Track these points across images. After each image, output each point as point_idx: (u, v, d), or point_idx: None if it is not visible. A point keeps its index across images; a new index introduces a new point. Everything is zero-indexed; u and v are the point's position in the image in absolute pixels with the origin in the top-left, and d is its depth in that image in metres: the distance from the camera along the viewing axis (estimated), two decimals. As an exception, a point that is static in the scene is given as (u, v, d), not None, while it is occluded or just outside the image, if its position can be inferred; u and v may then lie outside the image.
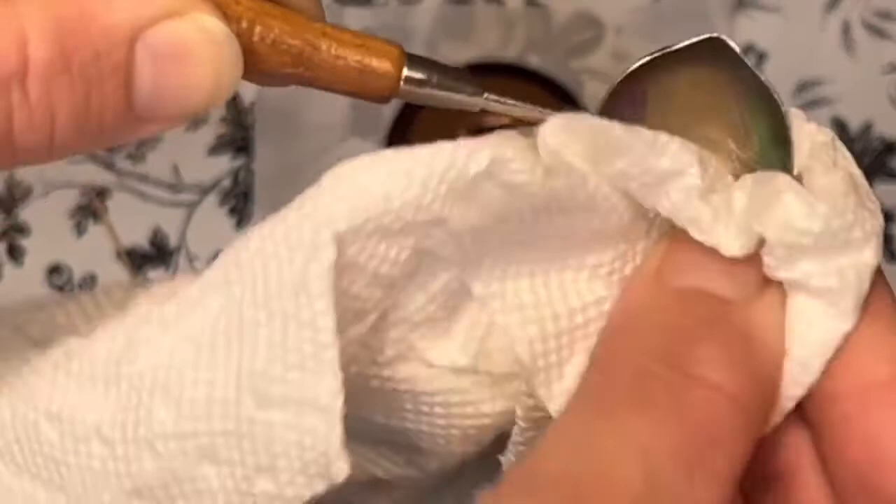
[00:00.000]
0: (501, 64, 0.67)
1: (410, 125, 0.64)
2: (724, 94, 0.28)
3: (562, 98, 0.64)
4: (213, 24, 0.25)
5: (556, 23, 0.71)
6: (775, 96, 0.29)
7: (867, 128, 0.69)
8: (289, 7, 0.26)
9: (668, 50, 0.28)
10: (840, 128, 0.69)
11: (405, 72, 0.27)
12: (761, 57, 0.70)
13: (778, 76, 0.70)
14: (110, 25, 0.23)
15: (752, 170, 0.28)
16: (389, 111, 0.68)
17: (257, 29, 0.25)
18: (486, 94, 0.28)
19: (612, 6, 0.71)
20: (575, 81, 0.69)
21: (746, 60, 0.28)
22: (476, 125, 0.64)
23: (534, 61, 0.70)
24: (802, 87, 0.70)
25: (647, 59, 0.28)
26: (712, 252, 0.24)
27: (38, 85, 0.23)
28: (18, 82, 0.23)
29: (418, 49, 0.70)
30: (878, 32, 0.70)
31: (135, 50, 0.24)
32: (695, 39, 0.28)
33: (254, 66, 0.25)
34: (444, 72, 0.28)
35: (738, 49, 0.28)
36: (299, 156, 0.69)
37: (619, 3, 0.71)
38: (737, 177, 0.27)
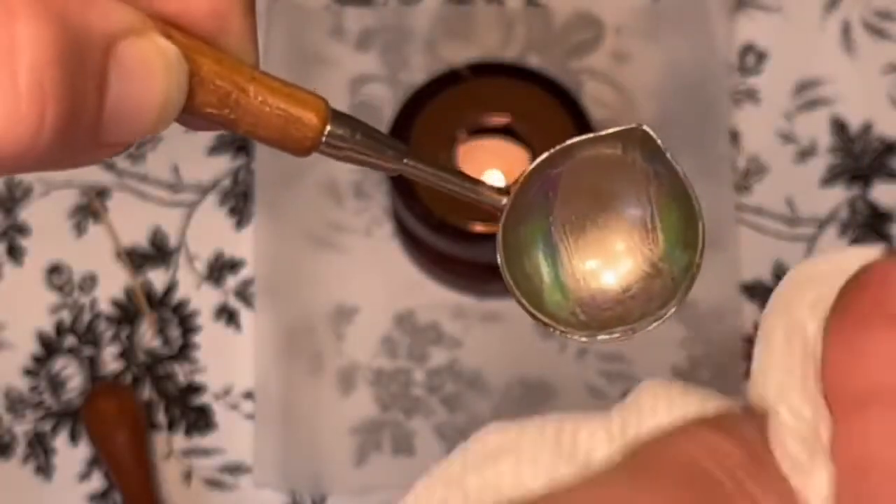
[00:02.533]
0: (501, 64, 0.67)
1: (411, 125, 0.64)
2: (637, 186, 0.29)
3: (562, 98, 0.64)
4: (167, 46, 0.24)
5: (556, 23, 0.71)
6: (692, 197, 0.28)
7: (867, 128, 0.69)
8: (223, 50, 0.26)
9: (591, 136, 0.28)
10: (840, 128, 0.69)
11: (329, 127, 0.27)
12: (761, 57, 0.70)
13: (778, 76, 0.70)
14: (92, 26, 0.23)
15: (656, 266, 0.29)
16: (390, 111, 0.68)
17: (187, 65, 0.25)
18: (406, 160, 0.28)
19: (612, 6, 0.71)
20: (575, 81, 0.69)
21: (668, 155, 0.28)
22: (476, 125, 0.64)
23: (534, 61, 0.70)
24: (802, 87, 0.70)
25: (570, 142, 0.28)
26: None
27: (29, 71, 0.22)
28: (8, 65, 0.21)
29: (419, 49, 0.70)
30: (878, 32, 0.70)
31: (108, 60, 0.23)
32: (619, 129, 0.28)
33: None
34: (368, 132, 0.27)
35: (660, 142, 0.28)
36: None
37: (619, 3, 0.71)
38: (643, 270, 0.28)
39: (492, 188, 0.29)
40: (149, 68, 0.24)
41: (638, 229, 0.29)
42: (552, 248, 0.29)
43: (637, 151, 0.28)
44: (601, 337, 0.28)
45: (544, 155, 0.29)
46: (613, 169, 0.28)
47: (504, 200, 0.29)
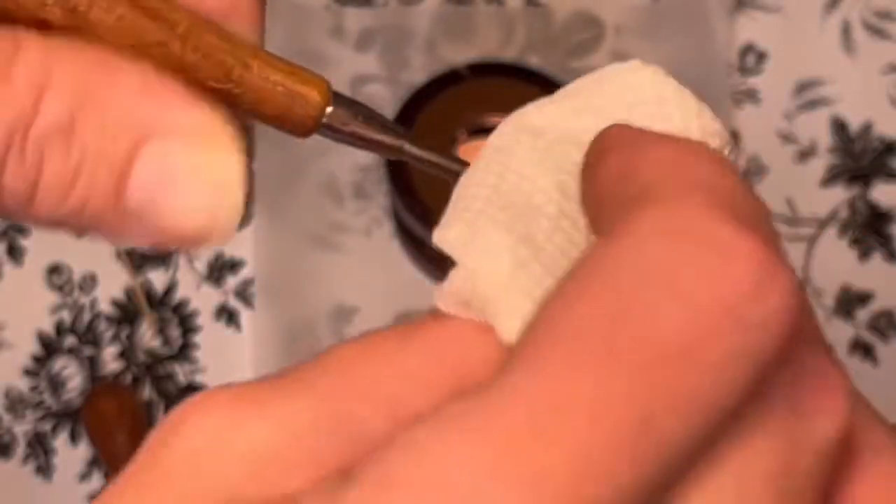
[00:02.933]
0: (501, 64, 0.67)
1: (411, 126, 0.64)
2: None
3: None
4: (233, 166, 0.24)
5: (556, 23, 0.71)
6: None
7: (867, 128, 0.69)
8: (226, 28, 0.26)
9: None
10: (840, 128, 0.69)
11: (330, 107, 0.27)
12: (761, 57, 0.70)
13: (778, 76, 0.70)
14: (128, 112, 0.23)
15: None
16: (389, 111, 0.68)
17: (192, 38, 0.25)
18: (405, 145, 0.28)
19: (612, 6, 0.71)
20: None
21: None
22: (476, 125, 0.64)
23: (534, 61, 0.70)
24: (802, 87, 0.70)
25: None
26: None
27: (37, 139, 0.22)
28: (22, 131, 0.22)
29: (419, 49, 0.70)
30: (878, 32, 0.70)
31: (140, 152, 0.23)
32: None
33: (183, 76, 0.25)
34: (370, 114, 0.27)
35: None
36: (299, 156, 0.69)
37: (619, 3, 0.71)
38: None
39: None
40: (188, 185, 0.24)
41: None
42: None
43: None
44: None
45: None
46: None
47: None
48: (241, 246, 0.69)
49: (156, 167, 0.23)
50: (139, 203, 0.24)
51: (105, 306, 0.68)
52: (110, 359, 0.68)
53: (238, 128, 0.25)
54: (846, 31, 0.70)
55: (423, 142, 0.28)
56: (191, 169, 0.24)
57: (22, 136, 0.22)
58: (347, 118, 0.27)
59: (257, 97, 0.26)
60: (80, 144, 0.23)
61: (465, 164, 0.28)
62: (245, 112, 0.26)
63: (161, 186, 0.24)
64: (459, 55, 0.69)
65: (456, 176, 0.27)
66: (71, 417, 0.67)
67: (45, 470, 0.66)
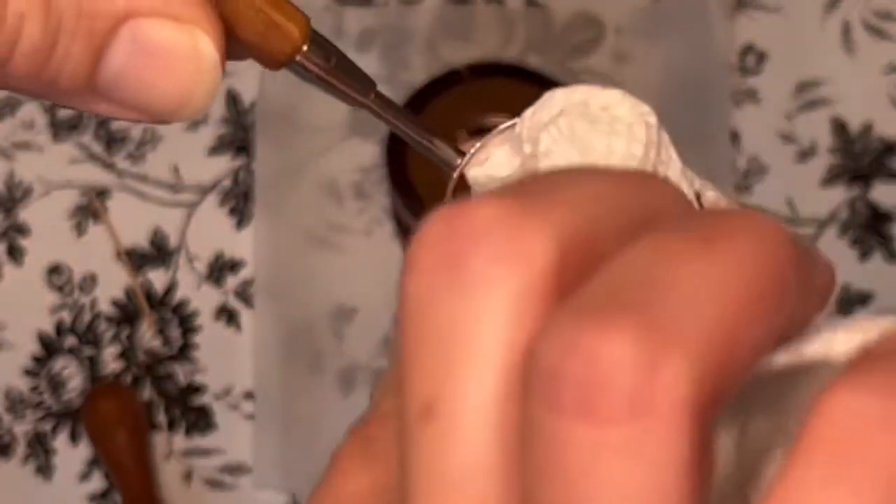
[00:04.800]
0: (501, 64, 0.67)
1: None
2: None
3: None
4: (207, 48, 0.25)
5: (556, 23, 0.71)
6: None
7: (867, 128, 0.69)
8: None
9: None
10: (840, 128, 0.69)
11: (307, 45, 0.27)
12: (761, 57, 0.70)
13: (778, 76, 0.70)
14: None
15: None
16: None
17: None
18: (373, 95, 0.28)
19: (612, 6, 0.71)
20: (575, 81, 0.69)
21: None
22: (476, 125, 0.64)
23: (534, 61, 0.70)
24: (802, 87, 0.70)
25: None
26: None
27: (15, 5, 0.23)
28: None
29: (419, 49, 0.70)
30: (878, 32, 0.70)
31: (119, 29, 0.24)
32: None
33: None
34: (343, 61, 0.28)
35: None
36: (299, 156, 0.69)
37: (619, 3, 0.71)
38: None
39: (449, 145, 0.28)
40: (168, 57, 0.24)
41: None
42: None
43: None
44: None
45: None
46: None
47: (459, 161, 0.28)
48: (241, 246, 0.69)
49: (131, 46, 0.24)
50: (114, 79, 0.25)
51: (105, 306, 0.68)
52: (110, 359, 0.68)
53: (217, 19, 0.25)
54: (846, 31, 0.70)
55: (392, 104, 0.28)
56: (167, 49, 0.24)
57: (3, 2, 0.23)
58: (321, 61, 0.27)
59: (236, 21, 0.26)
60: (56, 17, 0.24)
61: (423, 127, 0.28)
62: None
63: (136, 64, 0.24)
64: (459, 55, 0.69)
65: (417, 141, 0.27)
66: (71, 417, 0.67)
67: (45, 470, 0.66)
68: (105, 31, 0.24)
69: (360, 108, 0.28)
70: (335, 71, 0.28)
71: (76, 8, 0.24)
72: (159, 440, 0.67)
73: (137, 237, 0.69)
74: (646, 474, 0.16)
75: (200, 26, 0.25)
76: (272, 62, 0.27)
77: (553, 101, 0.26)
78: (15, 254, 0.69)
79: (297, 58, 0.27)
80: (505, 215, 0.18)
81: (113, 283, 0.68)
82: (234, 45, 0.26)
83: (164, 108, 0.25)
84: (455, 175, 0.28)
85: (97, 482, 0.67)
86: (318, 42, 0.27)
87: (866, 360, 0.17)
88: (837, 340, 0.21)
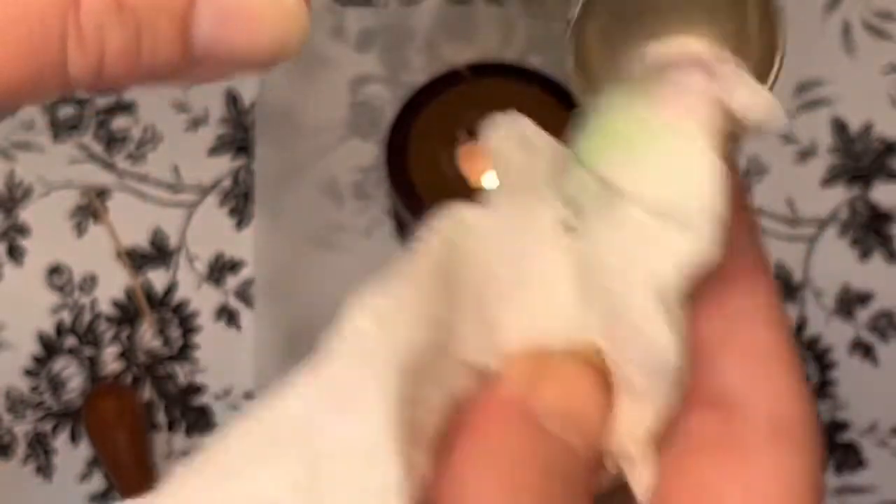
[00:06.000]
0: (501, 64, 0.67)
1: (411, 126, 0.64)
2: None
3: (562, 98, 0.63)
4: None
5: (556, 23, 0.71)
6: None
7: (867, 128, 0.69)
8: None
9: None
10: (840, 128, 0.69)
11: None
12: (761, 57, 0.70)
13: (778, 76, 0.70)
14: None
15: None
16: (390, 111, 0.68)
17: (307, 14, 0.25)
18: None
19: None
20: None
21: None
22: (476, 125, 0.64)
23: (534, 61, 0.70)
24: (802, 87, 0.70)
25: None
26: None
27: (89, 18, 0.23)
28: (73, 12, 0.23)
29: (419, 50, 0.70)
30: (878, 32, 0.70)
31: (196, 3, 0.24)
32: None
33: None
34: None
35: None
36: (299, 156, 0.69)
37: None
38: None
39: None
40: (251, 14, 0.24)
41: (728, 41, 0.26)
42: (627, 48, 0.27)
43: None
44: None
45: None
46: None
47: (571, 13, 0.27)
48: (241, 246, 0.69)
49: (213, 13, 0.24)
50: (207, 48, 0.25)
51: (105, 307, 0.68)
52: (110, 359, 0.68)
53: None
54: (846, 31, 0.70)
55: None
56: (247, 3, 0.24)
57: (75, 21, 0.23)
58: None
59: None
60: (132, 15, 0.24)
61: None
62: None
63: (224, 30, 0.24)
64: (459, 55, 0.69)
65: None
66: (71, 417, 0.67)
67: (45, 470, 0.66)
68: (183, 8, 0.24)
69: None
70: None
71: None
72: (159, 440, 0.67)
73: (137, 237, 0.69)
74: None
75: None
76: None
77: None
78: (15, 254, 0.69)
79: None
80: None
81: (113, 283, 0.68)
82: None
83: (264, 59, 0.25)
84: (570, 29, 0.27)
85: (97, 482, 0.67)
86: None
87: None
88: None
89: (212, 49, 0.25)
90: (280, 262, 0.68)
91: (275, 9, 0.25)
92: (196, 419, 0.67)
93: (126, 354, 0.68)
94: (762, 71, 0.25)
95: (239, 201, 0.69)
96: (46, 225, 0.69)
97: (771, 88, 0.25)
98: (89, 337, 0.68)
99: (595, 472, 0.24)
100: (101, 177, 0.70)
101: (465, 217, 0.26)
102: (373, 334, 0.24)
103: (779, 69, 0.25)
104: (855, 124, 0.69)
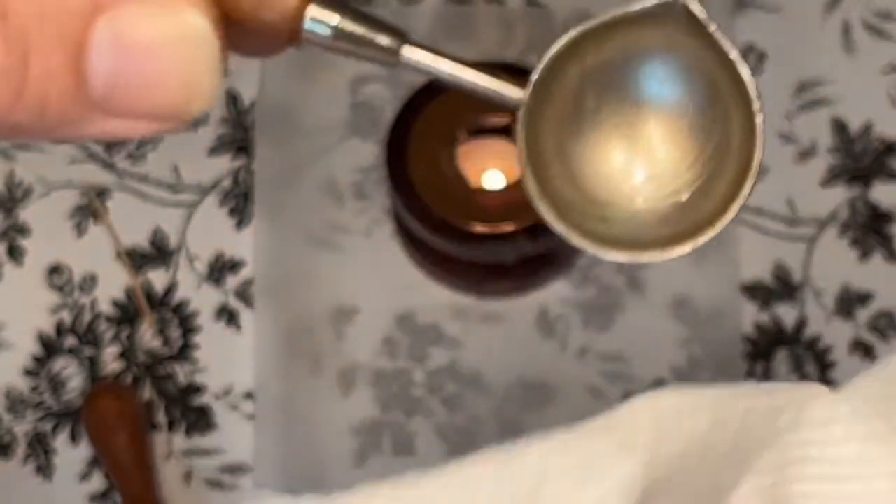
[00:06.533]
0: (501, 64, 0.67)
1: (411, 126, 0.64)
2: (683, 75, 0.25)
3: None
4: (198, 22, 0.22)
5: (556, 23, 0.71)
6: (748, 83, 0.24)
7: (867, 128, 0.69)
8: None
9: (619, 14, 0.25)
10: (840, 128, 0.69)
11: (312, 10, 0.24)
12: (761, 57, 0.70)
13: (778, 76, 0.70)
14: None
15: (707, 167, 0.24)
16: (390, 111, 0.68)
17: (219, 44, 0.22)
18: (404, 50, 0.25)
19: (612, 6, 0.71)
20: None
21: (714, 33, 0.24)
22: (477, 126, 0.64)
23: (534, 61, 0.69)
24: (802, 87, 0.70)
25: (597, 22, 0.25)
26: None
27: None
28: None
29: (418, 49, 0.70)
30: (878, 32, 0.70)
31: (94, 27, 0.21)
32: (653, 3, 0.24)
33: None
34: (358, 16, 0.25)
35: (704, 17, 0.24)
36: (299, 156, 0.69)
37: (619, 3, 0.71)
38: (694, 173, 0.24)
39: (513, 81, 0.25)
40: (160, 50, 0.21)
41: (688, 125, 0.25)
42: (584, 152, 0.25)
43: (679, 33, 0.24)
44: (650, 256, 0.24)
45: (570, 34, 0.25)
46: (652, 55, 0.25)
47: (524, 94, 0.25)
48: (241, 246, 0.69)
49: (113, 45, 0.21)
50: (107, 87, 0.21)
51: (105, 306, 0.68)
52: (110, 359, 0.68)
53: None
54: (846, 31, 0.70)
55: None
56: (153, 38, 0.21)
57: None
58: (332, 24, 0.24)
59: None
60: (17, 27, 0.20)
61: (484, 70, 0.25)
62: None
63: (125, 65, 0.21)
64: (459, 55, 0.69)
65: (473, 84, 0.24)
66: (71, 417, 0.67)
67: (45, 470, 0.66)
68: (77, 32, 0.21)
69: (395, 65, 0.25)
70: (356, 28, 0.24)
71: (37, 9, 0.20)
72: (159, 440, 0.67)
73: (137, 237, 0.69)
74: None
75: (187, 1, 0.21)
76: (274, 44, 0.24)
77: None
78: (15, 254, 0.69)
79: (305, 26, 0.24)
80: None
81: (113, 283, 0.68)
82: (238, 36, 0.23)
83: (174, 107, 0.22)
84: (521, 113, 0.25)
85: (97, 482, 0.66)
86: (326, 3, 0.24)
87: None
88: None
89: (112, 88, 0.21)
90: (280, 262, 0.68)
91: (182, 44, 0.22)
92: (196, 419, 0.67)
93: (126, 354, 0.68)
94: (738, 183, 0.24)
95: (239, 201, 0.69)
96: (46, 225, 0.69)
97: (745, 201, 0.23)
98: (89, 337, 0.68)
99: None
100: (101, 177, 0.70)
101: None
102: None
103: (754, 183, 0.23)
104: (855, 124, 0.69)
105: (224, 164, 0.70)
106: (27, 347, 0.68)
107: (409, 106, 0.65)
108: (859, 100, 0.69)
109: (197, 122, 0.70)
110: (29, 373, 0.68)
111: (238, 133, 0.70)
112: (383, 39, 0.25)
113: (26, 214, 0.69)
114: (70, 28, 0.21)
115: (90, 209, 0.69)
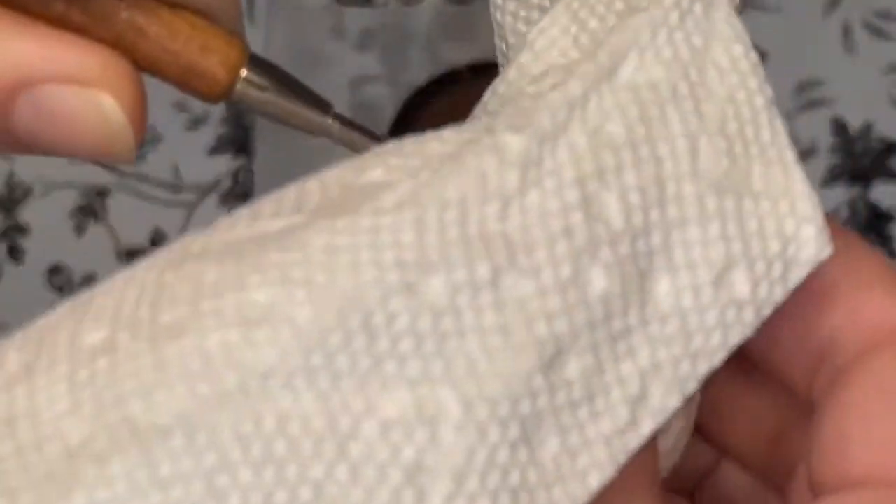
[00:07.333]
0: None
1: (411, 126, 0.64)
2: None
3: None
4: (114, 112, 0.24)
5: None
6: None
7: (867, 128, 0.69)
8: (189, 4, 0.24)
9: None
10: (840, 128, 0.69)
11: (244, 73, 0.25)
12: (761, 57, 0.70)
13: (778, 76, 0.70)
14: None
15: None
16: (390, 111, 0.68)
17: (132, 127, 0.24)
18: (332, 118, 0.26)
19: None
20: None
21: None
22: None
23: (534, 61, 0.70)
24: (802, 87, 0.70)
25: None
26: None
27: None
28: None
29: (419, 49, 0.70)
30: (878, 32, 0.70)
31: (17, 96, 0.23)
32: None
33: (74, 31, 0.23)
34: (286, 87, 0.26)
35: None
36: (299, 156, 0.69)
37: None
38: None
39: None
40: (75, 126, 0.23)
41: None
42: None
43: None
44: None
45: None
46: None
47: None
48: (241, 246, 0.69)
49: (34, 111, 0.23)
50: (30, 134, 0.24)
51: (105, 306, 0.68)
52: (110, 359, 0.68)
53: (127, 70, 0.24)
54: (846, 31, 0.70)
55: (355, 125, 0.27)
56: (69, 116, 0.23)
57: None
58: (262, 91, 0.26)
59: (154, 65, 0.24)
60: None
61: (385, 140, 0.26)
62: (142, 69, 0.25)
63: (44, 127, 0.23)
64: (459, 55, 0.69)
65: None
66: (71, 417, 0.67)
67: (45, 470, 0.66)
68: (2, 103, 0.23)
69: (318, 134, 0.27)
70: (282, 98, 0.26)
71: None
72: (159, 440, 0.67)
73: (137, 237, 0.69)
74: None
75: (105, 86, 0.23)
76: (206, 97, 0.25)
77: None
78: (15, 254, 0.69)
79: (235, 89, 0.25)
80: None
81: (113, 283, 0.68)
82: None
83: (90, 156, 0.24)
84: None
85: (97, 482, 0.67)
86: (258, 69, 0.26)
87: None
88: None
89: (34, 139, 0.24)
90: (280, 262, 0.68)
91: (96, 126, 0.24)
92: (196, 419, 0.67)
93: (126, 354, 0.68)
94: None
95: (239, 202, 0.69)
96: (46, 225, 0.69)
97: None
98: (89, 337, 0.68)
99: None
100: (102, 177, 0.70)
101: None
102: None
103: None
104: (855, 124, 0.69)
105: (224, 164, 0.70)
106: (27, 347, 0.68)
107: (409, 106, 0.65)
108: (859, 100, 0.69)
109: (197, 122, 0.70)
110: (29, 373, 0.68)
111: (238, 133, 0.70)
112: (312, 107, 0.26)
113: (26, 214, 0.69)
114: None
115: (90, 209, 0.69)
